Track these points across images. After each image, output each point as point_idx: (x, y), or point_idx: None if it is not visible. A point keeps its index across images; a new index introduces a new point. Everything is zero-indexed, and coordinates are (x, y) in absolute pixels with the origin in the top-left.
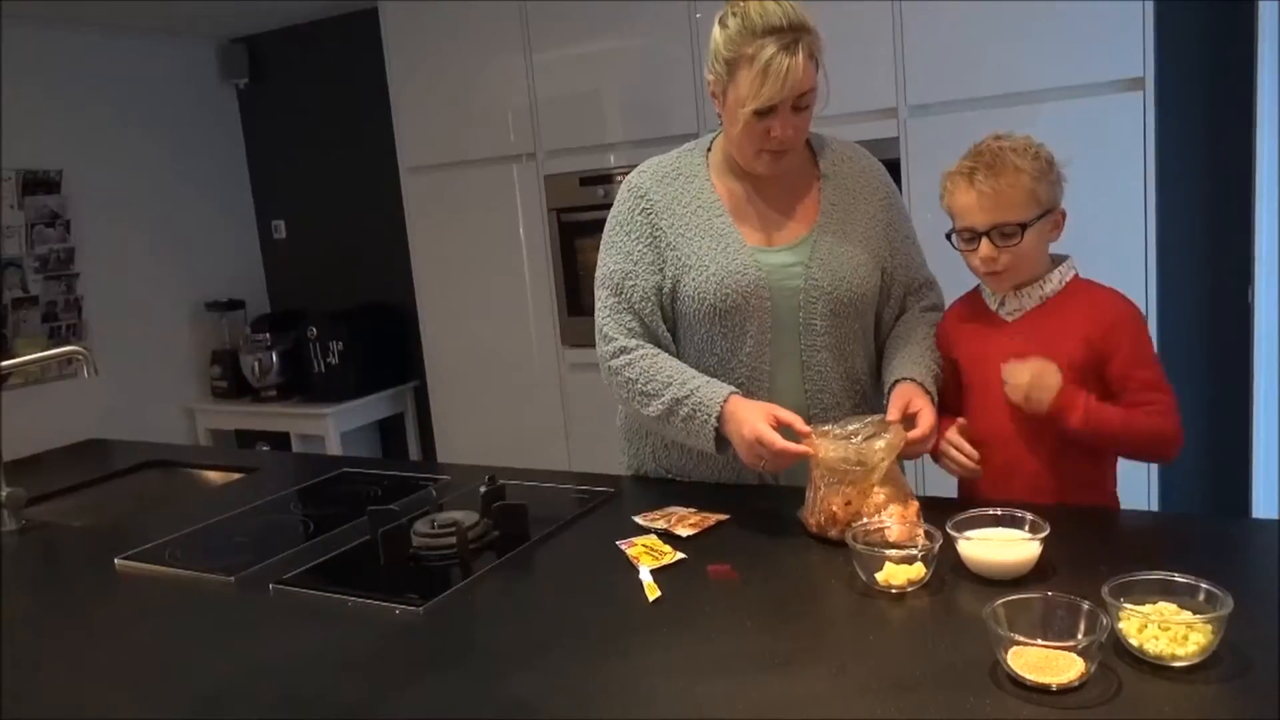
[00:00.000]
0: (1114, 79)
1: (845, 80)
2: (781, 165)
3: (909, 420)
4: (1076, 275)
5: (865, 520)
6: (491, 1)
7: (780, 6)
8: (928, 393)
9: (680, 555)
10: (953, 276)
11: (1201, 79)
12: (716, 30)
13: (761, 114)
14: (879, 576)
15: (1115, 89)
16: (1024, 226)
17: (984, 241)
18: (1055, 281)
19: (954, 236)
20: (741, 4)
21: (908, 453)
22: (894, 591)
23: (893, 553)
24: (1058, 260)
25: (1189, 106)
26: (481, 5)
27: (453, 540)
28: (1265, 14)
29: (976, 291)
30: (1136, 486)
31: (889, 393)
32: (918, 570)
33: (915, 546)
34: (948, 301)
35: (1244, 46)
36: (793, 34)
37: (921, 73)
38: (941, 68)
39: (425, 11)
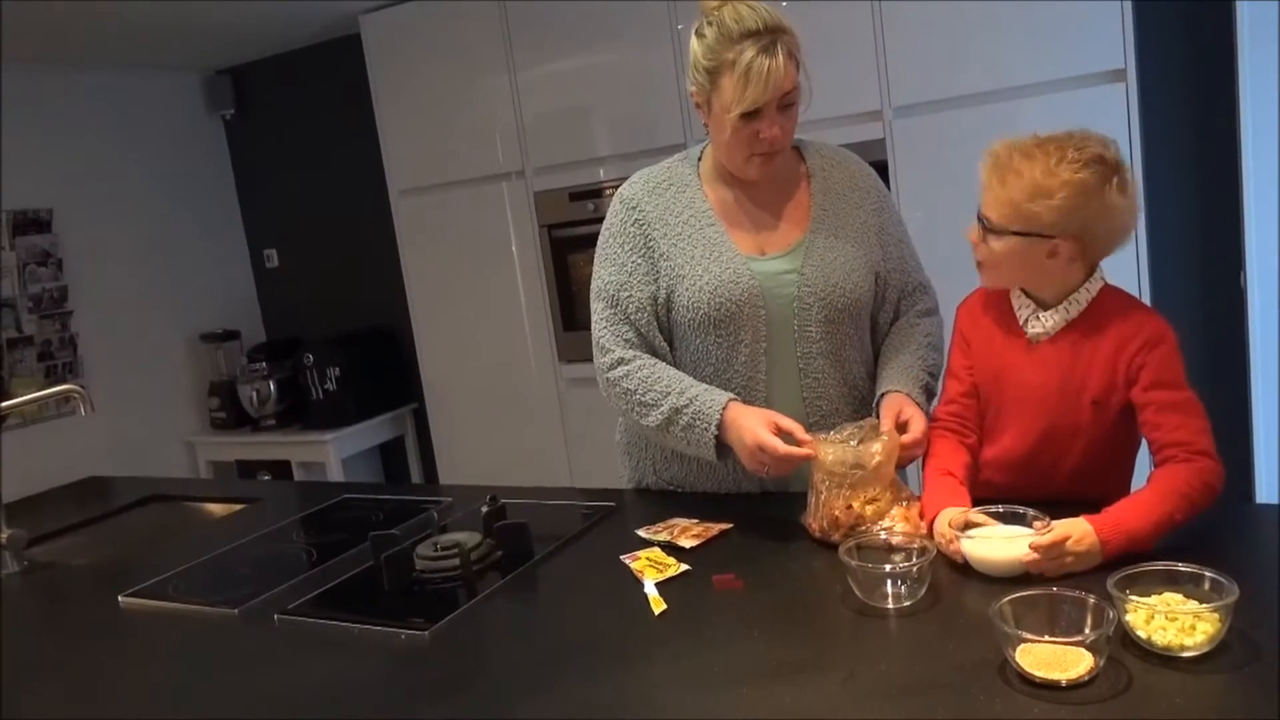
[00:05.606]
0: (1096, 71)
1: (829, 84)
2: (773, 168)
3: (901, 427)
4: (1105, 287)
5: (868, 527)
6: (473, 21)
7: (754, 10)
8: (916, 403)
9: (685, 567)
10: (946, 278)
11: (1184, 66)
12: (694, 41)
13: (748, 117)
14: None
15: (1098, 81)
16: (989, 230)
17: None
18: (1080, 303)
19: None
20: (716, 13)
21: (901, 458)
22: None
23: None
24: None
25: (1172, 94)
26: (463, 26)
27: (456, 562)
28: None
29: (1007, 295)
30: (1139, 476)
31: (878, 405)
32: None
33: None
34: (944, 300)
35: (1224, 32)
36: (770, 35)
37: (905, 74)
38: (924, 68)
39: (407, 34)
